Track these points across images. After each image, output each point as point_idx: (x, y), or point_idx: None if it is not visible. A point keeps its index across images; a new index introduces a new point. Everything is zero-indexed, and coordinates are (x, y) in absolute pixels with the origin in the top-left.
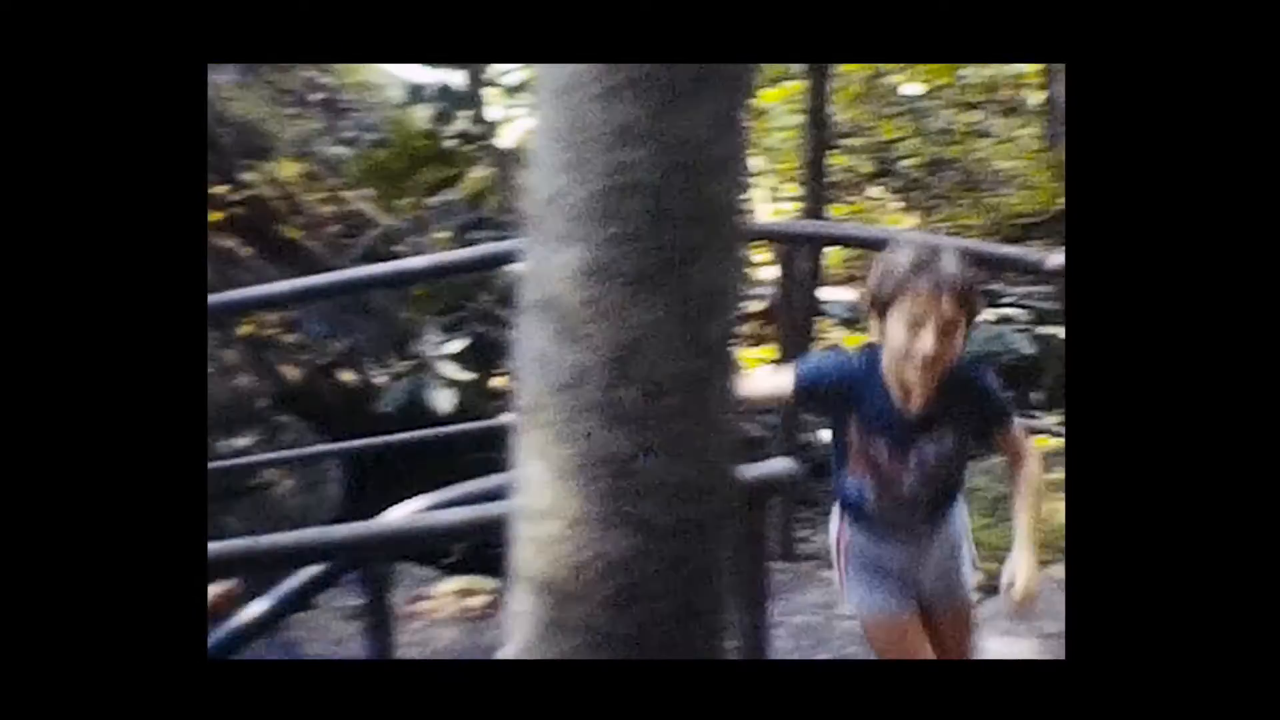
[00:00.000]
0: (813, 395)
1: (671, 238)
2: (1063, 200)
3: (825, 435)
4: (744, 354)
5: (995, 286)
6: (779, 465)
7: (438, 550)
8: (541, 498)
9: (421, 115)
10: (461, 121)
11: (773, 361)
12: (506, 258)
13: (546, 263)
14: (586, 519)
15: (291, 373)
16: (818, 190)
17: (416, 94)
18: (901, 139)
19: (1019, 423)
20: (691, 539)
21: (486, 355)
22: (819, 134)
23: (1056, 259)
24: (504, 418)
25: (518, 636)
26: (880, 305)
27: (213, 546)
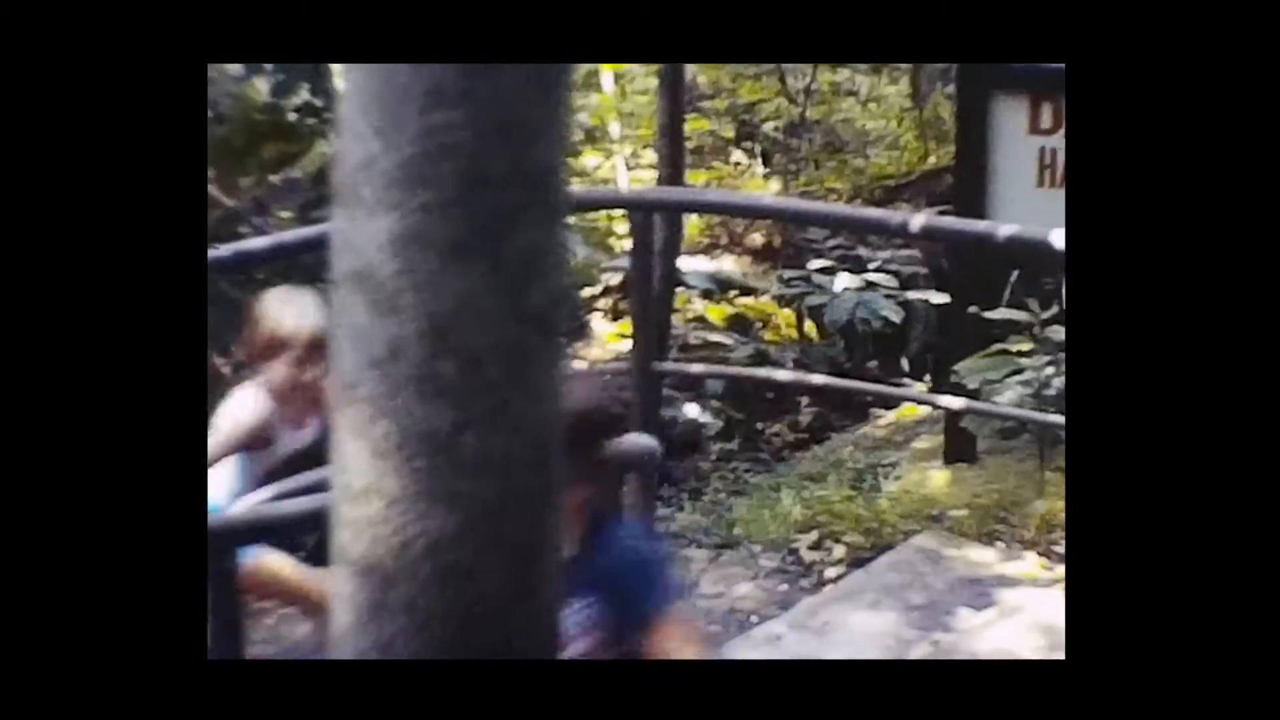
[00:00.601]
0: None
1: (487, 203)
2: (931, 160)
3: (689, 411)
4: (601, 327)
5: (860, 251)
6: (636, 442)
7: (287, 542)
8: (359, 477)
9: (261, 88)
10: (304, 93)
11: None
12: None
13: (358, 233)
14: (406, 497)
15: None
16: (676, 156)
17: (256, 65)
18: (763, 100)
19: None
20: (516, 515)
21: None
22: (675, 96)
23: (919, 220)
24: None
25: (341, 621)
26: None
27: None
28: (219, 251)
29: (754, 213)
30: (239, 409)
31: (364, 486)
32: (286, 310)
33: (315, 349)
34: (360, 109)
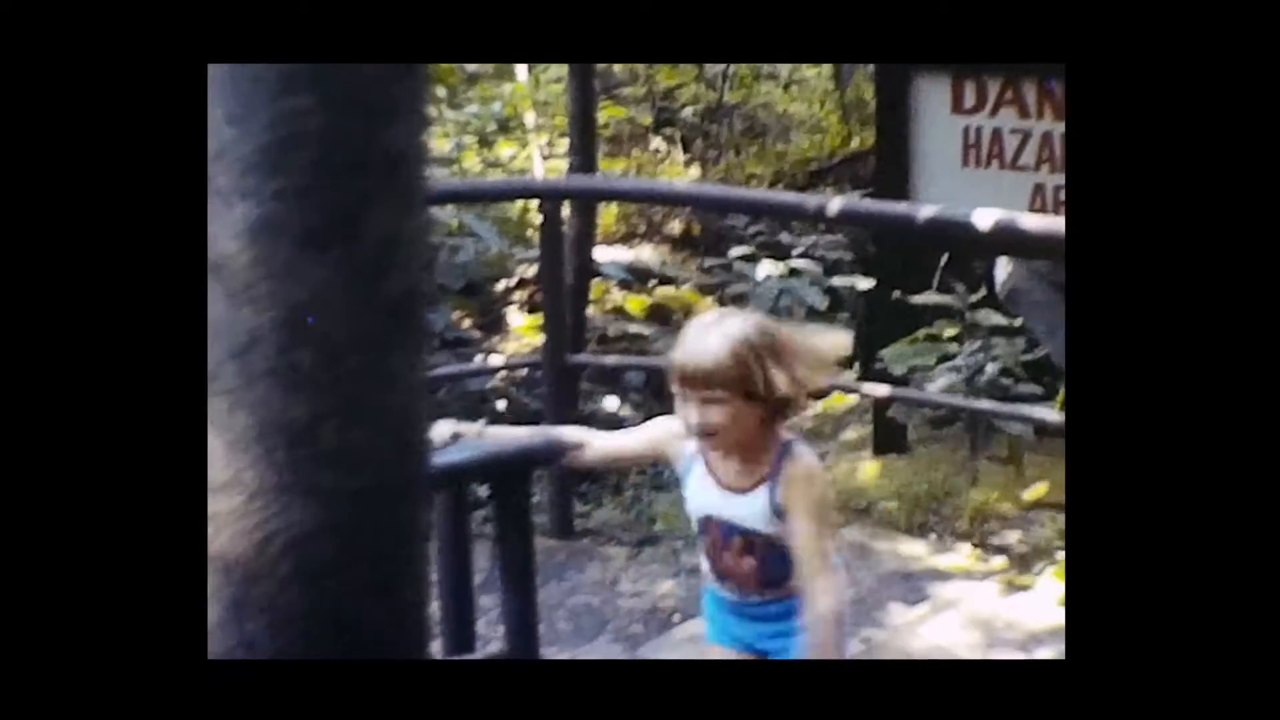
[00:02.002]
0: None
1: (341, 190)
2: (855, 143)
3: (606, 404)
4: (517, 320)
5: (782, 237)
6: (543, 436)
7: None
8: (221, 470)
9: None
10: None
11: (539, 328)
12: None
13: (215, 222)
14: (265, 490)
15: None
16: (588, 144)
17: None
18: (681, 86)
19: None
20: (377, 509)
21: None
22: (586, 84)
23: (837, 204)
24: None
25: (210, 617)
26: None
27: None
28: None
29: (669, 200)
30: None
31: (225, 479)
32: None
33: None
34: (215, 97)
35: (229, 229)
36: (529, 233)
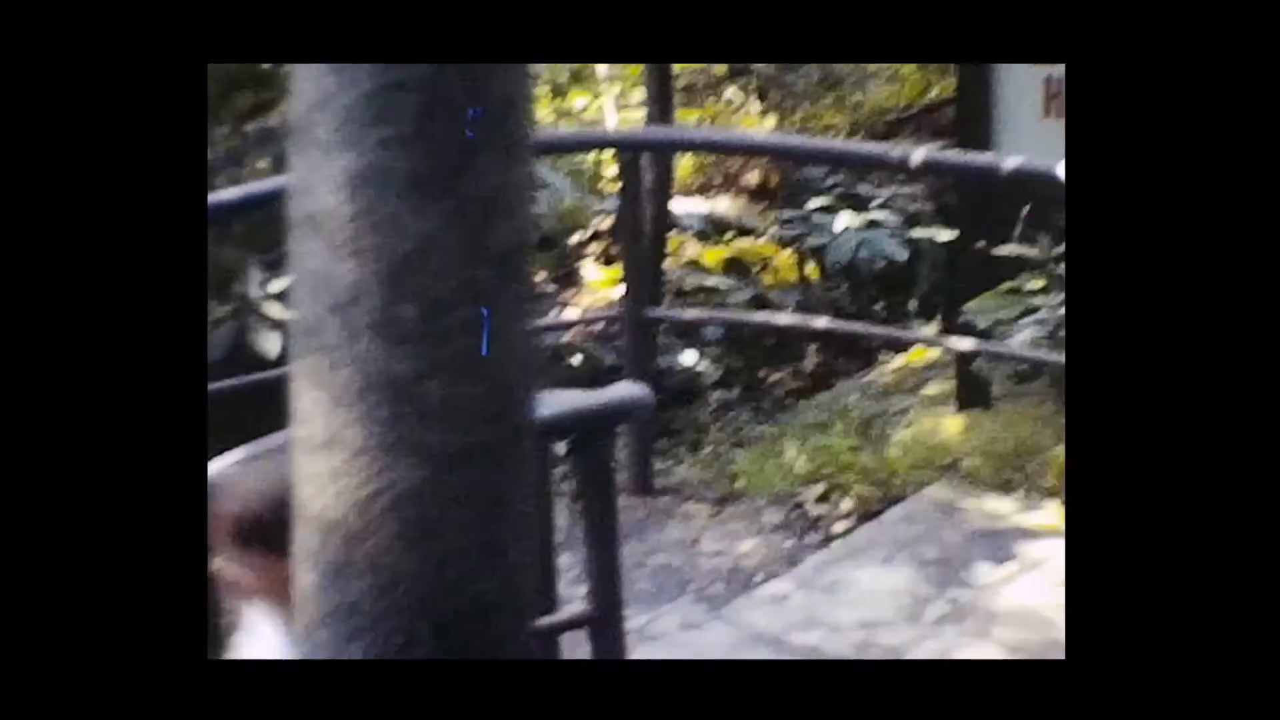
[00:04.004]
0: None
1: (446, 138)
2: (933, 93)
3: (683, 358)
4: (591, 274)
5: (861, 189)
6: (626, 392)
7: None
8: (319, 429)
9: None
10: None
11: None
12: None
13: (315, 173)
14: (368, 449)
15: None
16: (664, 94)
17: None
18: None
19: None
20: (483, 467)
21: None
22: None
23: (920, 155)
24: None
25: (304, 580)
26: None
27: None
28: None
29: (747, 150)
30: None
31: (325, 438)
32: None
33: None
34: None
35: (329, 181)
36: (602, 185)
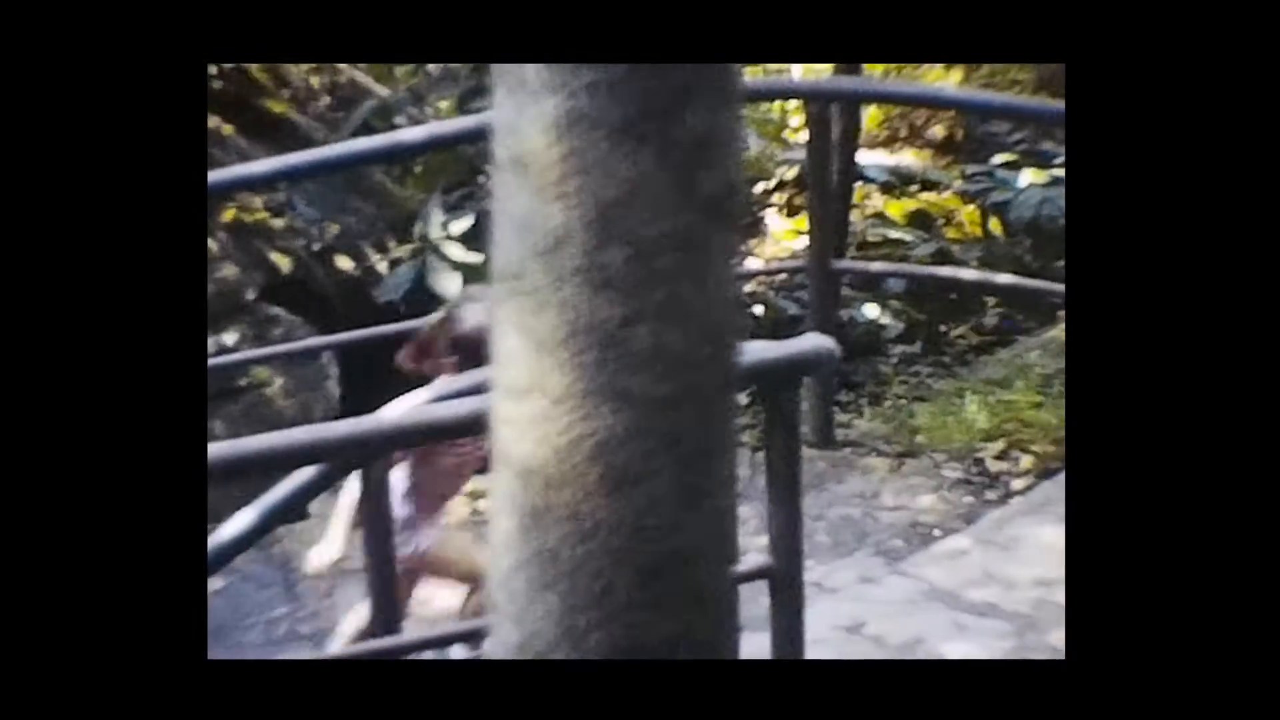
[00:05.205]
0: None
1: (657, 82)
2: None
3: (868, 311)
4: (776, 224)
5: (1047, 146)
6: (812, 343)
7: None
8: (522, 374)
9: None
10: None
11: (804, 233)
12: None
13: (521, 115)
14: (571, 395)
15: (281, 261)
16: None
17: None
18: None
19: None
20: (688, 414)
21: None
22: None
23: None
24: None
25: (501, 526)
26: None
27: None
28: (373, 143)
29: (935, 103)
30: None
31: (527, 383)
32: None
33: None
34: None
35: (537, 123)
36: (786, 134)
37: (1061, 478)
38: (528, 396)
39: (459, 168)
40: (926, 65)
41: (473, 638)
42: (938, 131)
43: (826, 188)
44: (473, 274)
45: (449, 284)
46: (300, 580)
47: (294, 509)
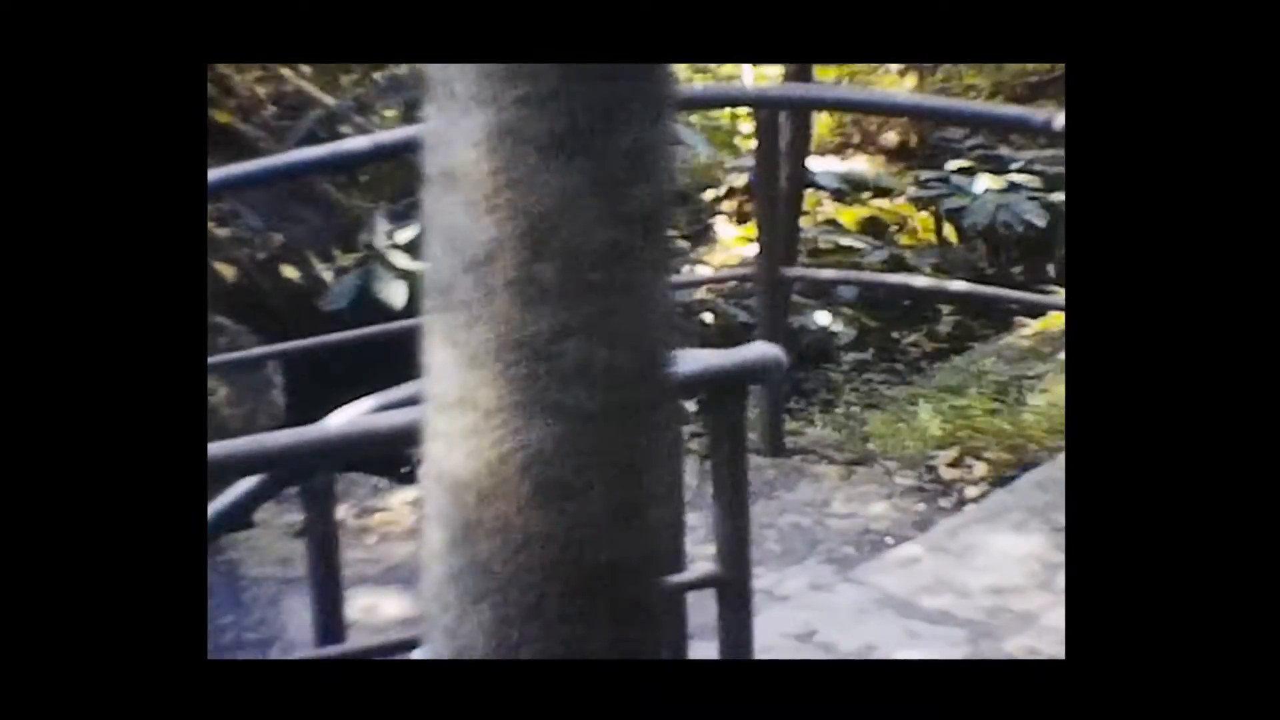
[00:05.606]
0: None
1: (588, 96)
2: None
3: (819, 319)
4: (726, 231)
5: (1002, 151)
6: (760, 352)
7: (392, 457)
8: (453, 387)
9: None
10: None
11: (754, 240)
12: None
13: (451, 128)
14: (502, 408)
15: (226, 270)
16: None
17: None
18: None
19: None
20: (620, 428)
21: None
22: None
23: (1062, 119)
24: None
25: (433, 538)
26: None
27: None
28: (318, 152)
29: (887, 110)
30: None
31: (458, 397)
32: None
33: None
34: None
35: (467, 136)
36: (737, 141)
37: (1016, 485)
38: (459, 410)
39: (405, 177)
40: (881, 70)
41: (405, 648)
42: (891, 138)
43: (776, 195)
44: (419, 282)
45: (395, 293)
46: (246, 589)
47: (237, 518)
